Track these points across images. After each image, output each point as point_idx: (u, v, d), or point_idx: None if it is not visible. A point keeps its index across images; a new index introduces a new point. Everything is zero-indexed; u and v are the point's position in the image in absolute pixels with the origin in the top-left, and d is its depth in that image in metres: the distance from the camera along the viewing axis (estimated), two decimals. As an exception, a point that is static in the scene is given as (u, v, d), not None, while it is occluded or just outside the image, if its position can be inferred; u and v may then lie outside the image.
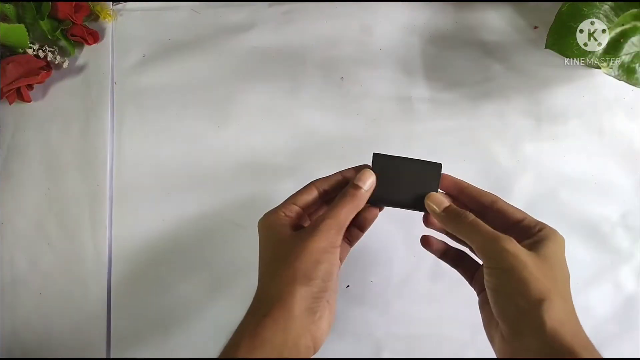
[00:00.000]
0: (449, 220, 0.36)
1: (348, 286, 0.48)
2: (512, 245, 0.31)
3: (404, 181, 0.39)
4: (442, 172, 0.38)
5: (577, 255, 0.49)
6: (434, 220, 0.39)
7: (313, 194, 0.38)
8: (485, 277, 0.33)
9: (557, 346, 0.29)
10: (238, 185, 0.51)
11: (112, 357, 0.50)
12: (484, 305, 0.35)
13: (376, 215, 0.40)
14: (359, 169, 0.38)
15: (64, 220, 0.51)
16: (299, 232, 0.34)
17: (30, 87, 0.52)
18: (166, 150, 0.52)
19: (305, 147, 0.52)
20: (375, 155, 0.40)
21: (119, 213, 0.52)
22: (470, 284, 0.38)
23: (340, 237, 0.34)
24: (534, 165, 0.50)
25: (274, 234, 0.35)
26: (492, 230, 0.33)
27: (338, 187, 0.38)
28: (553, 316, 0.29)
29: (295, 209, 0.37)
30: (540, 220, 0.35)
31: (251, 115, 0.53)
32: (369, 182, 0.36)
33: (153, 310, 0.50)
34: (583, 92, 0.51)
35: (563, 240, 0.34)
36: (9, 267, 0.51)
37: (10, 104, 0.52)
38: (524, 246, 0.32)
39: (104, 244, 0.51)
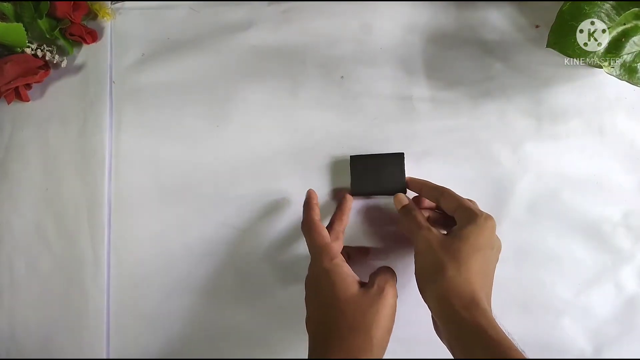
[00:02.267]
0: (402, 215, 0.44)
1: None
2: (426, 232, 0.40)
3: (377, 173, 0.48)
4: (414, 175, 0.48)
5: (578, 255, 0.49)
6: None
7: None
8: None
9: (447, 309, 0.36)
10: (237, 185, 0.51)
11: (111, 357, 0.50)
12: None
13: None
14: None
15: (62, 222, 0.51)
16: (368, 292, 0.38)
17: (28, 86, 0.52)
18: (165, 150, 0.52)
19: (305, 147, 0.51)
20: (351, 157, 0.49)
21: (117, 214, 0.51)
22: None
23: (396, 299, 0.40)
24: (535, 165, 0.50)
25: (337, 290, 0.38)
26: (420, 220, 0.42)
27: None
28: (444, 285, 0.37)
29: (340, 245, 0.43)
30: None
31: (250, 114, 0.52)
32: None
33: (152, 313, 0.50)
34: (584, 91, 0.51)
35: (485, 223, 0.39)
36: (7, 270, 0.51)
37: (8, 104, 0.52)
38: (453, 231, 0.40)
39: (103, 245, 0.51)
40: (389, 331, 0.38)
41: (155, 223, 0.51)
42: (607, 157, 0.50)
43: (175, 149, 0.52)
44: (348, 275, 0.39)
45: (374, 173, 0.48)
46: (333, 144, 0.51)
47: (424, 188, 0.45)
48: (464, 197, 0.43)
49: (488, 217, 0.40)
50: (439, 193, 0.43)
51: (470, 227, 0.39)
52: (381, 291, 0.38)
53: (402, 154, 0.48)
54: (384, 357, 0.47)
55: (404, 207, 0.45)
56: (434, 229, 0.41)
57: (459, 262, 0.37)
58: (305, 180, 0.51)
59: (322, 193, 0.51)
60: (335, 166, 0.51)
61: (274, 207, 0.51)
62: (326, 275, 0.39)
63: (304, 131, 0.52)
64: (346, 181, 0.50)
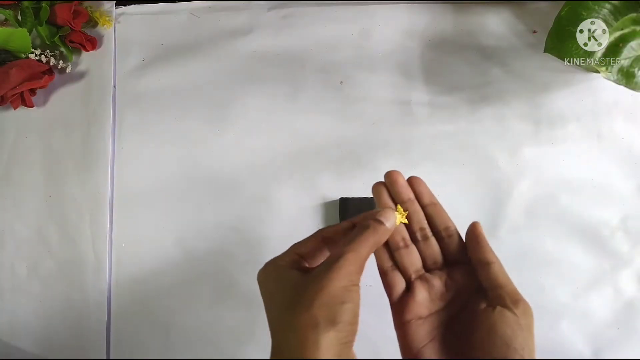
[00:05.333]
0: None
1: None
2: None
3: None
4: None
5: (576, 259, 0.49)
6: None
7: (315, 240, 0.35)
8: None
9: None
10: (237, 189, 0.51)
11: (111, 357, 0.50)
12: None
13: None
14: (388, 211, 0.34)
15: (64, 226, 0.52)
16: (313, 273, 0.30)
17: (32, 92, 0.52)
18: (166, 154, 0.52)
19: (305, 151, 0.52)
20: (340, 199, 0.48)
21: (119, 219, 0.52)
22: None
23: (360, 276, 0.31)
24: (533, 170, 0.50)
25: (280, 280, 0.32)
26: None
27: (344, 234, 0.34)
28: None
29: (294, 257, 0.34)
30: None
31: (250, 119, 0.53)
32: (392, 219, 0.33)
33: (153, 316, 0.50)
34: (582, 96, 0.51)
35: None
36: (9, 274, 0.51)
37: (14, 109, 0.52)
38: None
39: (104, 250, 0.51)
40: (341, 303, 0.29)
41: (156, 227, 0.51)
42: (605, 162, 0.50)
43: (176, 153, 0.52)
44: (285, 268, 0.33)
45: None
46: (332, 149, 0.52)
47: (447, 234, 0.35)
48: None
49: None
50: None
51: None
52: (329, 266, 0.30)
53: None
54: (384, 357, 0.48)
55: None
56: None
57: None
58: (304, 184, 0.51)
59: (319, 197, 0.51)
60: (334, 170, 0.51)
61: (274, 210, 0.51)
62: (262, 278, 0.33)
63: (303, 135, 0.52)
64: (341, 190, 0.50)
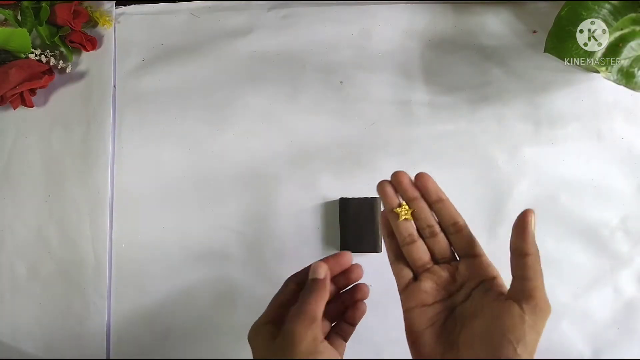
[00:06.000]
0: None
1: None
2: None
3: (362, 223, 0.46)
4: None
5: (576, 259, 0.49)
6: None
7: (291, 289, 0.38)
8: None
9: None
10: (237, 190, 0.51)
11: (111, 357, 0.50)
12: None
13: (364, 310, 0.39)
14: (316, 264, 0.37)
15: (64, 226, 0.52)
16: (277, 342, 0.33)
17: (32, 92, 0.52)
18: (166, 155, 0.52)
19: (305, 152, 0.52)
20: (340, 199, 0.48)
21: (119, 220, 0.52)
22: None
23: (319, 328, 0.33)
24: (533, 170, 0.50)
25: (259, 347, 0.34)
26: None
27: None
28: None
29: (276, 312, 0.36)
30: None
31: (250, 119, 0.53)
32: (321, 270, 0.35)
33: (153, 317, 0.50)
34: (582, 96, 0.51)
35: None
36: (9, 275, 0.51)
37: (14, 109, 0.52)
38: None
39: (104, 251, 0.51)
40: None
41: (156, 227, 0.51)
42: (605, 162, 0.50)
43: (176, 153, 0.52)
44: (262, 335, 0.35)
45: (361, 223, 0.47)
46: (332, 149, 0.52)
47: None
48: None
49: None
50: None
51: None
52: (288, 335, 0.32)
53: (376, 199, 0.47)
54: (385, 358, 0.48)
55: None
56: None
57: None
58: (304, 184, 0.51)
59: (319, 197, 0.51)
60: (334, 170, 0.51)
61: (274, 210, 0.51)
62: (250, 341, 0.36)
63: (303, 136, 0.52)
64: (341, 190, 0.50)
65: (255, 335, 0.35)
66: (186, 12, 0.55)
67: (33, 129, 0.53)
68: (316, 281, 0.35)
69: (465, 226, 0.36)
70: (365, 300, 0.40)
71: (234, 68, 0.54)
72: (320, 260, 0.37)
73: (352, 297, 0.39)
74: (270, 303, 0.37)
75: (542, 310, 0.31)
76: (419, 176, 0.36)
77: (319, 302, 0.34)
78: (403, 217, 0.36)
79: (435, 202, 0.36)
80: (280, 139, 0.52)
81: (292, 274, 0.39)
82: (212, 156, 0.52)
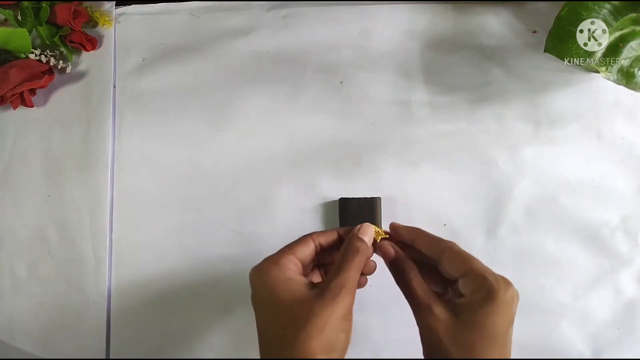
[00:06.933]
0: (392, 272, 0.36)
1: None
2: (431, 320, 0.31)
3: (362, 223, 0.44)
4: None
5: (576, 259, 0.49)
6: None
7: (310, 247, 0.36)
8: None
9: None
10: (237, 189, 0.51)
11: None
12: None
13: (363, 284, 0.39)
14: (366, 225, 0.37)
15: (64, 227, 0.52)
16: (316, 295, 0.31)
17: (32, 92, 0.52)
18: (166, 154, 0.52)
19: (305, 152, 0.52)
20: (340, 199, 0.49)
21: (119, 219, 0.52)
22: None
23: (354, 300, 0.32)
24: (533, 170, 0.50)
25: (282, 290, 0.32)
26: (420, 295, 0.33)
27: (334, 245, 0.37)
28: None
29: (296, 262, 0.34)
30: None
31: (250, 119, 0.53)
32: (370, 233, 0.35)
33: (153, 316, 0.50)
34: (582, 96, 0.51)
35: (506, 300, 0.31)
36: (8, 275, 0.51)
37: (14, 109, 0.52)
38: (455, 307, 0.32)
39: (104, 250, 0.51)
40: (338, 333, 0.31)
41: (156, 227, 0.51)
42: (605, 162, 0.50)
43: (176, 153, 0.52)
44: (288, 278, 0.33)
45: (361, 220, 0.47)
46: (332, 149, 0.52)
47: (419, 239, 0.36)
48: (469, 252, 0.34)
49: (507, 286, 0.31)
50: (440, 249, 0.34)
51: (487, 307, 0.30)
52: (334, 296, 0.31)
53: (377, 199, 0.48)
54: (384, 358, 0.48)
55: (395, 263, 0.36)
56: (437, 308, 0.32)
57: (473, 355, 0.30)
58: (304, 184, 0.51)
59: (319, 197, 0.51)
60: (334, 171, 0.51)
61: (274, 210, 0.51)
62: (260, 280, 0.34)
63: (303, 136, 0.52)
64: (341, 190, 0.50)
65: (278, 273, 0.33)
66: (186, 12, 0.55)
67: (33, 129, 0.53)
68: (364, 244, 0.34)
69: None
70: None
71: (234, 68, 0.54)
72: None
73: None
74: (285, 250, 0.35)
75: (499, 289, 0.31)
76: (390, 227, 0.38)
77: (360, 269, 0.34)
78: (380, 237, 0.37)
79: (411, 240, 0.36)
80: (280, 139, 0.52)
81: (316, 232, 0.37)
82: (212, 156, 0.52)
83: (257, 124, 0.53)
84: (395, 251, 0.36)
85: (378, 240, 0.37)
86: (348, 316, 0.31)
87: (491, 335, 0.30)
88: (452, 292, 0.35)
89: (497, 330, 0.31)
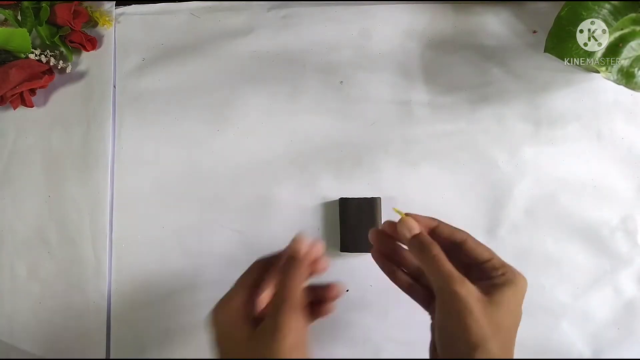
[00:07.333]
0: (414, 249, 0.35)
1: (347, 290, 0.48)
2: (464, 289, 0.31)
3: (362, 223, 0.47)
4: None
5: (576, 259, 0.49)
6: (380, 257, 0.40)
7: (258, 269, 0.36)
8: (436, 314, 0.33)
9: None
10: (237, 189, 0.52)
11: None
12: (434, 330, 0.35)
13: (330, 311, 0.38)
14: (297, 237, 0.36)
15: (64, 227, 0.52)
16: (259, 331, 0.31)
17: (32, 92, 0.52)
18: (166, 154, 0.52)
19: (305, 152, 0.52)
20: (340, 199, 0.49)
21: (119, 219, 0.52)
22: (427, 309, 0.38)
23: (303, 315, 0.31)
24: (533, 170, 0.50)
25: (229, 333, 0.32)
26: (450, 269, 0.32)
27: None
28: None
29: (246, 295, 0.34)
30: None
31: (250, 119, 0.53)
32: (301, 246, 0.35)
33: (153, 317, 0.50)
34: (582, 96, 0.51)
35: (524, 286, 0.33)
36: (8, 274, 0.51)
37: (14, 109, 0.52)
38: (481, 287, 0.32)
39: (104, 250, 0.51)
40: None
41: (156, 227, 0.51)
42: (605, 162, 0.50)
43: (176, 153, 0.52)
44: (235, 320, 0.33)
45: (361, 223, 0.47)
46: (332, 149, 0.52)
47: (441, 225, 0.36)
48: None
49: (523, 277, 0.34)
50: (461, 236, 0.35)
51: (513, 289, 0.32)
52: (274, 328, 0.30)
53: (377, 199, 0.48)
54: (384, 358, 0.48)
55: (419, 239, 0.35)
56: (469, 283, 0.32)
57: (502, 339, 0.31)
58: (304, 184, 0.51)
59: (319, 197, 0.51)
60: (334, 170, 0.51)
61: (274, 210, 0.51)
62: (214, 324, 0.34)
63: (303, 136, 0.52)
64: (341, 190, 0.50)
65: (224, 317, 0.33)
66: (186, 12, 0.55)
67: (33, 129, 0.53)
68: (295, 259, 0.34)
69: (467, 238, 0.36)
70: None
71: (234, 68, 0.54)
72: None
73: (324, 293, 0.37)
74: (236, 284, 0.35)
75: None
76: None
77: (299, 285, 0.33)
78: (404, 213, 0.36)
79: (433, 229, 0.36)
80: (280, 139, 0.52)
81: (261, 257, 0.37)
82: (212, 156, 0.52)
83: (257, 124, 0.53)
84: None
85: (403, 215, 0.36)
86: (300, 341, 0.31)
87: (514, 315, 0.32)
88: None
89: (517, 312, 0.33)
